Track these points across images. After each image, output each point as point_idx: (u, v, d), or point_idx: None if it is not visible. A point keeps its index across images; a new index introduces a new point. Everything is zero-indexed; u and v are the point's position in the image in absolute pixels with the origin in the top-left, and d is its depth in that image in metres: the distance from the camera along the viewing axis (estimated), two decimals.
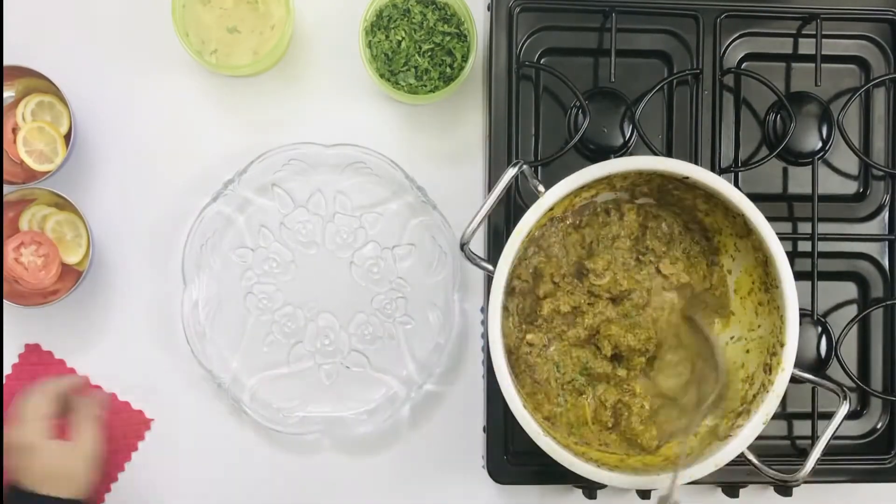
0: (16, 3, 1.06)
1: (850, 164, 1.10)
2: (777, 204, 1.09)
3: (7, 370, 1.06)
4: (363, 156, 1.05)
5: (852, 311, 1.09)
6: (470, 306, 1.08)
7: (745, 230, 0.94)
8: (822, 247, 1.06)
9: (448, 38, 1.03)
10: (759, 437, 1.07)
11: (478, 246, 1.07)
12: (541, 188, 0.89)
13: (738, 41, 1.08)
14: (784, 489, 1.06)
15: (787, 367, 0.91)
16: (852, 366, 1.08)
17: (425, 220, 1.06)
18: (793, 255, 1.08)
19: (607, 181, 0.93)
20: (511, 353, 0.96)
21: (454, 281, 1.05)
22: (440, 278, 1.07)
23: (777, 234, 1.07)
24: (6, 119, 1.04)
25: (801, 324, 1.06)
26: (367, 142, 1.08)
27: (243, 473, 1.07)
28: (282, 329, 1.07)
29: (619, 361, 0.98)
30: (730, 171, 1.07)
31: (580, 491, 1.06)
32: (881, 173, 1.09)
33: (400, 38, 1.03)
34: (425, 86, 1.03)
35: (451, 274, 1.05)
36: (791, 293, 0.91)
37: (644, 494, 1.04)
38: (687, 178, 0.91)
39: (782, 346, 0.91)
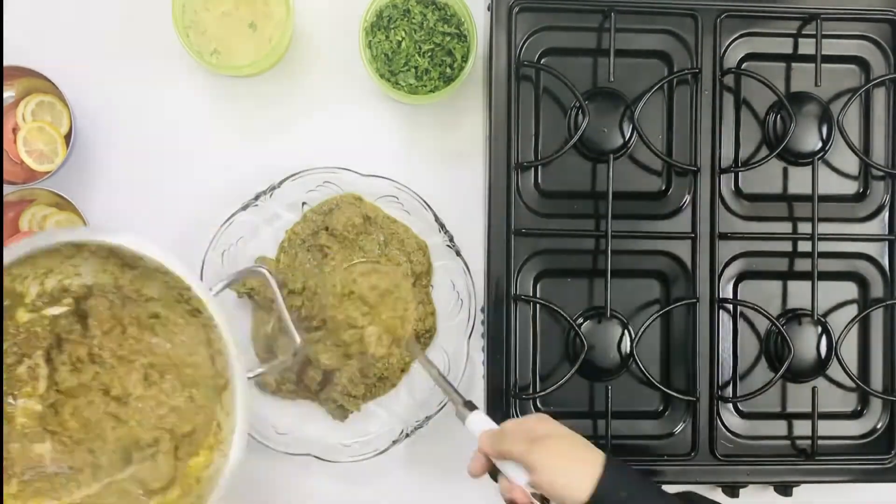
0: (16, 3, 1.06)
1: (850, 164, 1.10)
2: (777, 204, 1.09)
3: None
4: (395, 190, 1.05)
5: (852, 311, 1.09)
6: (479, 356, 1.07)
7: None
8: (822, 247, 1.06)
9: (448, 39, 1.03)
10: (760, 437, 1.08)
11: (477, 247, 1.07)
12: None
13: (738, 41, 1.08)
14: (784, 489, 1.07)
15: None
16: (852, 366, 1.08)
17: (447, 264, 1.06)
18: (793, 255, 1.08)
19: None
20: None
21: (467, 329, 1.05)
22: (453, 323, 1.06)
23: (777, 234, 1.08)
24: (6, 119, 1.04)
25: (801, 324, 1.07)
26: (367, 142, 1.08)
27: (241, 477, 1.07)
28: None
29: None
30: (730, 170, 1.07)
31: None
32: (881, 173, 1.09)
33: (400, 39, 1.03)
34: (425, 86, 1.03)
35: (465, 321, 1.05)
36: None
37: None
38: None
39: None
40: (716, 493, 1.09)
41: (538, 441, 0.86)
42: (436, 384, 0.99)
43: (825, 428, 1.06)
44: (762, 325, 1.08)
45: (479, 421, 0.93)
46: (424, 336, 1.06)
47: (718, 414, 1.05)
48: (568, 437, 0.88)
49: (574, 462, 0.85)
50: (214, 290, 0.90)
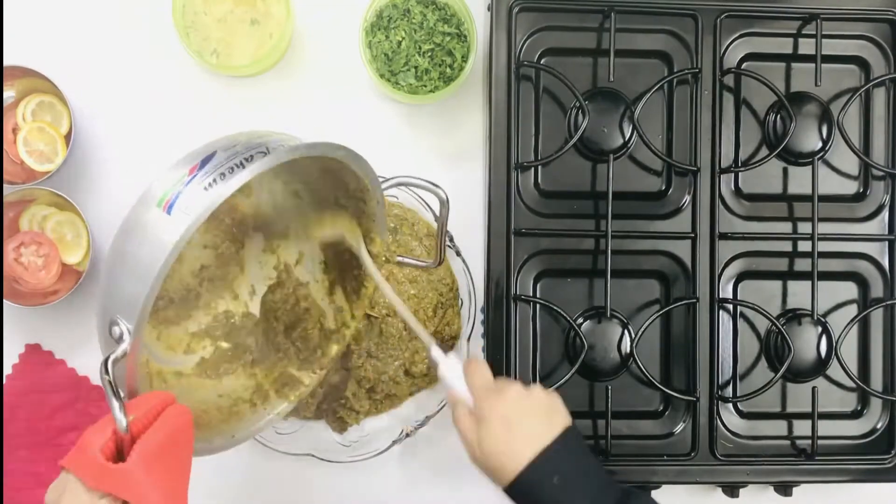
0: (16, 3, 1.06)
1: (850, 164, 1.10)
2: (777, 204, 1.09)
3: (7, 370, 1.06)
4: (395, 190, 1.04)
5: (852, 311, 1.09)
6: (479, 355, 1.07)
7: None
8: (822, 247, 1.06)
9: (448, 39, 1.03)
10: (760, 437, 1.08)
11: (477, 247, 1.07)
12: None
13: (738, 41, 1.08)
14: (784, 489, 1.07)
15: None
16: (852, 366, 1.08)
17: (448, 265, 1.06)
18: (793, 255, 1.08)
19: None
20: None
21: (467, 328, 1.05)
22: None
23: (777, 234, 1.08)
24: (6, 119, 1.04)
25: (801, 324, 1.07)
26: (367, 142, 1.08)
27: (241, 477, 1.07)
28: None
29: None
30: (730, 171, 1.07)
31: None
32: (881, 173, 1.09)
33: (400, 39, 1.03)
34: (425, 86, 1.03)
35: (466, 321, 1.05)
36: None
37: None
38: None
39: None
40: (716, 494, 1.09)
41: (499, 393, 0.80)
42: (411, 327, 0.90)
43: (825, 428, 1.06)
44: (762, 325, 1.08)
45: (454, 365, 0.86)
46: (449, 341, 1.05)
47: (718, 414, 1.05)
48: (527, 409, 0.81)
49: (517, 435, 0.79)
50: (385, 186, 0.86)
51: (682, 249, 1.06)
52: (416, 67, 1.03)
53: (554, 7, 1.05)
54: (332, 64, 1.08)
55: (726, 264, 1.07)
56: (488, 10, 1.05)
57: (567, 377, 1.02)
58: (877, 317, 1.09)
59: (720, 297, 1.06)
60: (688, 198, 1.06)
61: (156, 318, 0.87)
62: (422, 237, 1.05)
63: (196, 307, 0.91)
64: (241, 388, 0.91)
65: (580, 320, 1.05)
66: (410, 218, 1.05)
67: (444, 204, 0.88)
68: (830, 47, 1.08)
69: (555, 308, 1.04)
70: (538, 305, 1.05)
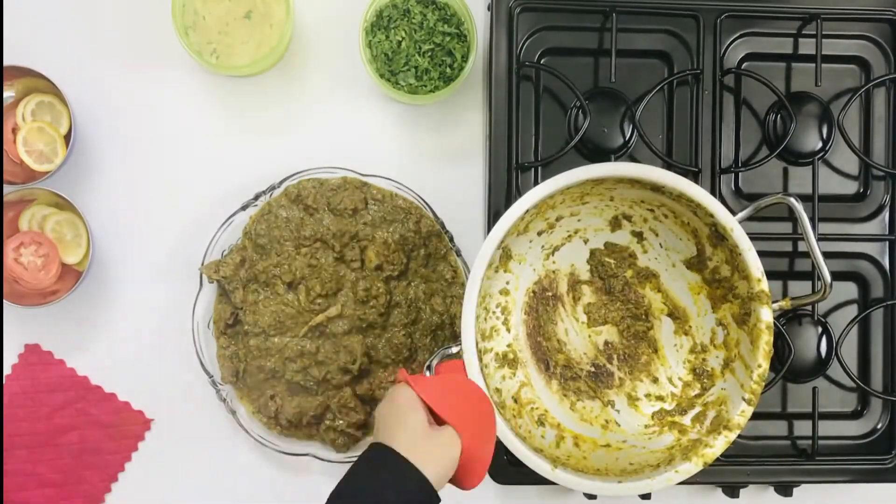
0: (16, 3, 1.06)
1: (850, 164, 1.10)
2: (777, 204, 1.08)
3: (7, 370, 1.06)
4: (396, 190, 1.05)
5: (852, 311, 1.09)
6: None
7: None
8: (823, 247, 1.05)
9: (448, 38, 1.03)
10: (760, 437, 1.08)
11: (477, 247, 1.06)
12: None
13: (738, 41, 1.08)
14: (784, 489, 1.07)
15: None
16: (852, 366, 1.08)
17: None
18: (793, 255, 1.08)
19: (580, 188, 0.94)
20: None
21: None
22: None
23: (777, 234, 1.07)
24: (6, 119, 1.04)
25: (801, 324, 1.07)
26: (367, 142, 1.08)
27: (241, 477, 1.07)
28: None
29: None
30: (730, 171, 1.07)
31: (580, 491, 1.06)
32: (881, 173, 1.09)
33: (400, 39, 1.03)
34: (425, 86, 1.03)
35: None
36: None
37: (644, 494, 1.04)
38: (662, 187, 0.91)
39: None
40: (716, 493, 1.09)
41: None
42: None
43: (825, 428, 1.06)
44: None
45: None
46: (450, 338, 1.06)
47: None
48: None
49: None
50: (738, 217, 0.93)
51: None
52: (416, 67, 1.03)
53: (554, 7, 1.05)
54: (332, 64, 1.08)
55: None
56: (488, 10, 1.05)
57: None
58: (877, 317, 1.09)
59: None
60: None
61: (564, 387, 1.00)
62: (425, 235, 1.05)
63: (609, 387, 1.00)
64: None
65: None
66: (415, 212, 1.05)
67: (804, 217, 0.93)
68: (830, 47, 1.08)
69: None
70: None
